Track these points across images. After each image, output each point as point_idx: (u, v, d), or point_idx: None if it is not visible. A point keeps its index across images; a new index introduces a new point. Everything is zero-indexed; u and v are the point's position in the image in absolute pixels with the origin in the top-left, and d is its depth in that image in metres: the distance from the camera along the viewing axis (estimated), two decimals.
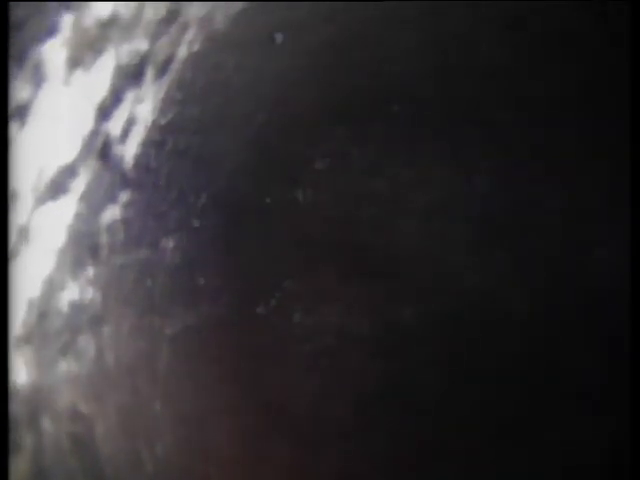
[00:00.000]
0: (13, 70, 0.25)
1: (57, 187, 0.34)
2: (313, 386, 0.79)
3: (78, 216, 0.36)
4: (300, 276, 0.83)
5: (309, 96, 0.73)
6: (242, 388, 0.78)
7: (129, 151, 0.41)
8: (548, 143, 0.67)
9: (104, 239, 0.38)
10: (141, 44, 0.35)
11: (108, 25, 0.32)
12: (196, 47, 0.45)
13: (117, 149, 0.37)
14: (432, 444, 0.68)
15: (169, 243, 0.51)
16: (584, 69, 0.56)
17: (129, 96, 0.37)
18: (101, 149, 0.36)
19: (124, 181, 0.40)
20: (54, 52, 0.29)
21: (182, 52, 0.44)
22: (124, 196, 0.40)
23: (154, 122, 0.42)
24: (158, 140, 0.46)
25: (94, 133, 0.35)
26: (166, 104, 0.44)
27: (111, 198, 0.39)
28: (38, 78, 0.28)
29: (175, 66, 0.43)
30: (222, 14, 0.44)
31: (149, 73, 0.39)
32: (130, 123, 0.39)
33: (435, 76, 0.76)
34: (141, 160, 0.41)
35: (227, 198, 0.66)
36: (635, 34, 0.34)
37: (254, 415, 0.75)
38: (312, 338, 0.86)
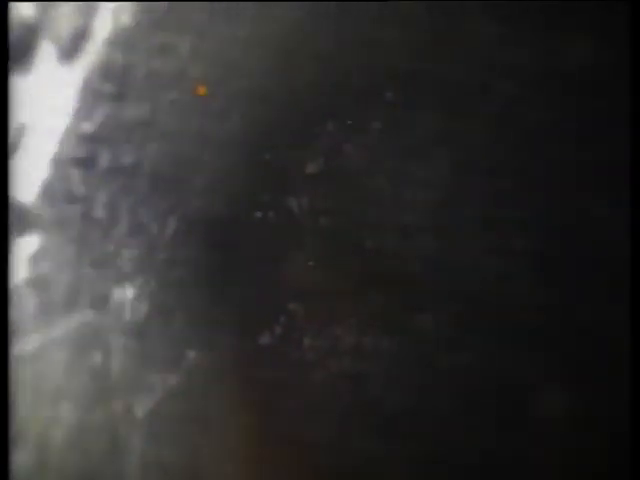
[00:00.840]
0: None
1: None
2: (332, 415, 0.68)
3: None
4: (306, 296, 0.71)
5: (291, 89, 0.60)
6: (254, 425, 0.65)
7: (28, 176, 0.27)
8: (549, 122, 0.57)
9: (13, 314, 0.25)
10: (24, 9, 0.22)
11: None
12: (126, 20, 0.31)
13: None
14: (464, 472, 0.57)
15: (126, 293, 0.39)
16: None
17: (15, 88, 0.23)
18: None
19: (24, 223, 0.27)
20: None
21: (102, 25, 0.30)
22: (30, 244, 0.27)
23: (71, 129, 0.29)
24: (83, 156, 0.33)
25: None
26: (88, 101, 0.30)
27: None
28: None
29: (94, 46, 0.29)
30: None
31: (44, 53, 0.25)
32: (20, 132, 0.25)
33: (431, 57, 0.61)
34: (55, 188, 0.28)
35: (204, 219, 0.52)
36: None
37: (270, 451, 0.62)
38: (327, 363, 0.72)
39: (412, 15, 0.47)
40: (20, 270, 0.25)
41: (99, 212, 0.34)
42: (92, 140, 0.33)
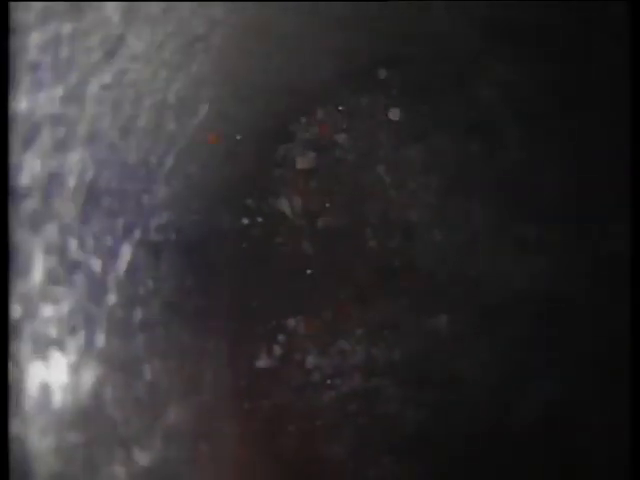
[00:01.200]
0: None
1: None
2: (345, 439, 0.62)
3: None
4: (308, 309, 0.64)
5: (271, 74, 0.54)
6: (259, 456, 0.55)
7: None
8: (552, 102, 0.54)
9: None
10: None
11: None
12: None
13: None
14: None
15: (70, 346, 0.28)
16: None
17: None
18: None
19: None
20: None
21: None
22: None
23: None
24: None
25: None
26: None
27: None
28: None
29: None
30: None
31: None
32: None
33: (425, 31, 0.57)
34: None
35: (181, 232, 0.44)
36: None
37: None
38: (335, 382, 0.60)
39: None
40: None
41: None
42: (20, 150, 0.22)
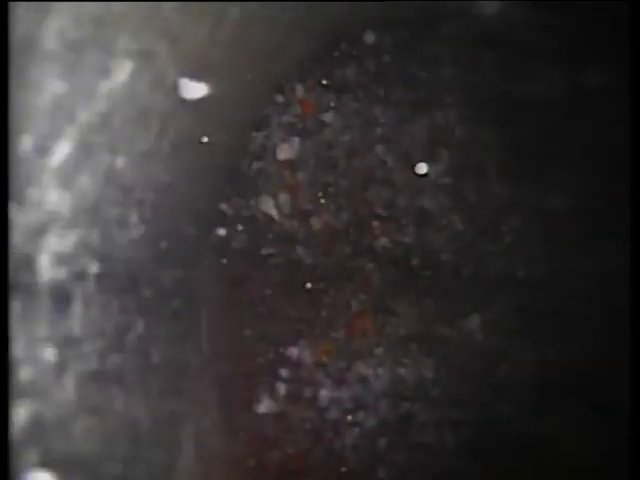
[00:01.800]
0: None
1: None
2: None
3: None
4: (312, 331, 0.51)
5: (237, 45, 0.41)
6: None
7: None
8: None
9: None
10: None
11: None
12: None
13: None
14: None
15: None
16: None
17: None
18: None
19: None
20: None
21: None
22: None
23: None
24: None
25: None
26: None
27: None
28: None
29: None
30: None
31: None
32: None
33: None
34: None
35: (135, 259, 0.32)
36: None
37: None
38: (357, 417, 0.52)
39: None
40: None
41: None
42: None
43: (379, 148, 0.52)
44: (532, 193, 0.51)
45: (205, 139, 0.38)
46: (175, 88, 0.30)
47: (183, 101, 0.31)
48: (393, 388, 0.50)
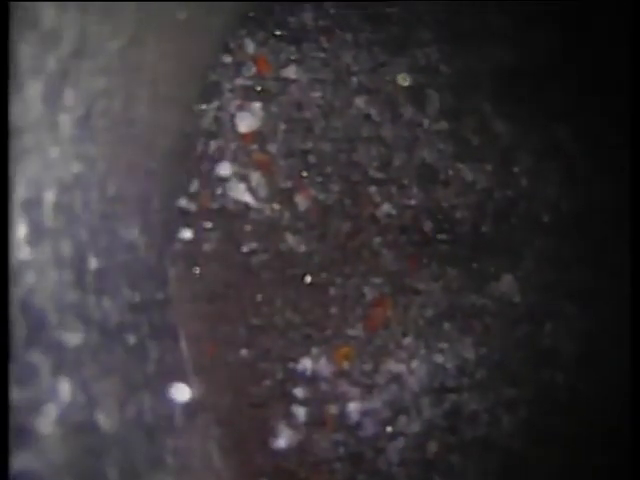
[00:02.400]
0: None
1: None
2: None
3: None
4: (324, 334, 0.37)
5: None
6: None
7: None
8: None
9: None
10: None
11: None
12: None
13: None
14: None
15: None
16: None
17: None
18: None
19: None
20: None
21: None
22: None
23: None
24: None
25: None
26: None
27: None
28: None
29: None
30: None
31: None
32: None
33: None
34: None
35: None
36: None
37: None
38: (398, 427, 0.39)
39: None
40: None
41: None
42: None
43: (359, 100, 0.37)
44: (538, 126, 0.42)
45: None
46: None
47: None
48: (432, 381, 0.39)
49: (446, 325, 0.40)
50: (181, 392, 0.31)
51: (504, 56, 0.42)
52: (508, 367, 0.39)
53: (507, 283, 0.41)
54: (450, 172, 0.41)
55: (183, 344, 0.33)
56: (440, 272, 0.40)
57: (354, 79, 0.41)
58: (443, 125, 0.42)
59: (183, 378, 0.32)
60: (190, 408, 0.31)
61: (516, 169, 0.43)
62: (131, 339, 0.25)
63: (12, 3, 0.16)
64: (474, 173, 0.42)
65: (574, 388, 0.40)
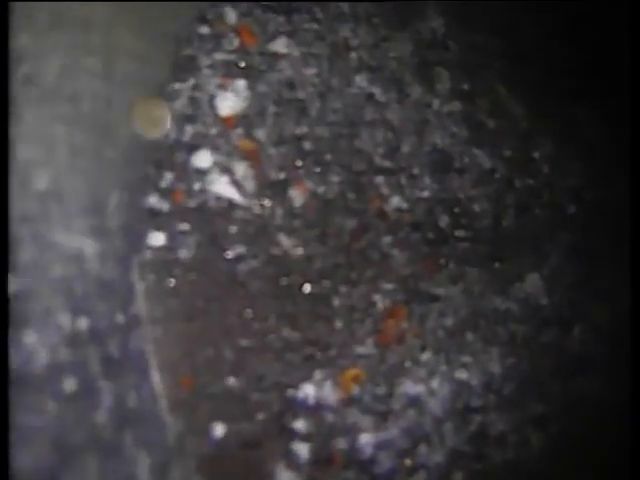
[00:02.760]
0: None
1: None
2: None
3: None
4: (328, 353, 0.30)
5: None
6: None
7: None
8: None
9: None
10: None
11: None
12: None
13: None
14: None
15: None
16: None
17: None
18: None
19: None
20: None
21: None
22: None
23: None
24: None
25: None
26: None
27: None
28: None
29: None
30: None
31: None
32: None
33: None
34: None
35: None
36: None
37: None
38: (419, 459, 0.33)
39: None
40: None
41: None
42: None
43: (359, 79, 0.29)
44: (555, 104, 0.35)
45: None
46: None
47: None
48: (456, 401, 0.32)
49: (469, 335, 0.31)
50: (155, 430, 0.22)
51: (516, 31, 0.34)
52: (537, 379, 0.31)
53: (532, 283, 0.33)
54: (465, 159, 0.33)
55: (155, 376, 0.24)
56: (459, 274, 0.31)
57: (353, 54, 0.33)
58: (455, 106, 0.34)
59: (154, 421, 0.23)
60: (171, 454, 0.22)
61: (536, 154, 0.35)
62: (69, 384, 0.16)
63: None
64: (492, 160, 0.34)
65: (609, 399, 0.32)
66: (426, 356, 0.32)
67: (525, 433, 0.33)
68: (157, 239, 0.29)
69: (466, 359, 0.33)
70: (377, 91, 0.34)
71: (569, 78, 0.37)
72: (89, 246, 0.21)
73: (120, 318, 0.23)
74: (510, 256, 0.35)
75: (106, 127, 0.24)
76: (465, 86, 0.36)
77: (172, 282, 0.28)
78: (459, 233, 0.34)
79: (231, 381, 0.28)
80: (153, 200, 0.29)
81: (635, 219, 0.27)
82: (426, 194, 0.34)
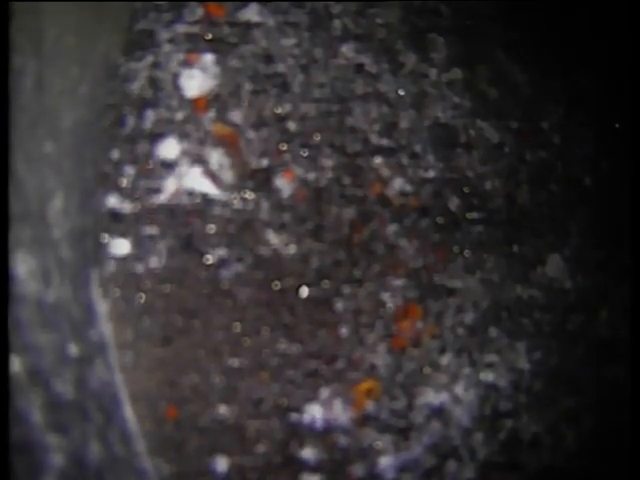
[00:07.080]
0: None
1: None
2: None
3: None
4: (336, 368, 0.24)
5: None
6: None
7: None
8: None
9: None
10: None
11: None
12: None
13: None
14: None
15: None
16: None
17: None
18: None
19: None
20: None
21: None
22: None
23: None
24: None
25: None
26: None
27: None
28: None
29: None
30: None
31: None
32: None
33: None
34: None
35: None
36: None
37: None
38: (447, 476, 0.27)
39: None
40: None
41: None
42: None
43: (345, 48, 0.23)
44: (560, 72, 0.28)
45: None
46: None
47: None
48: (483, 407, 0.22)
49: (492, 330, 0.25)
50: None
51: None
52: (566, 371, 0.26)
53: (555, 266, 0.28)
54: (471, 133, 0.28)
55: (127, 413, 0.18)
56: (475, 261, 0.26)
57: (336, 22, 0.26)
58: (455, 74, 0.28)
59: (130, 471, 0.16)
60: None
61: (545, 124, 0.30)
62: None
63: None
64: (499, 132, 0.28)
65: None
66: (447, 359, 0.26)
67: (559, 432, 0.28)
68: (120, 247, 0.22)
69: (491, 358, 0.27)
70: (367, 61, 0.28)
71: (570, 42, 0.32)
72: (23, 264, 0.15)
73: (72, 350, 0.17)
74: (528, 237, 0.30)
75: (45, 114, 0.18)
76: (462, 53, 0.30)
77: (142, 297, 0.21)
78: (471, 215, 0.28)
79: (222, 409, 0.22)
80: (112, 201, 0.23)
81: None
82: (431, 174, 0.28)
